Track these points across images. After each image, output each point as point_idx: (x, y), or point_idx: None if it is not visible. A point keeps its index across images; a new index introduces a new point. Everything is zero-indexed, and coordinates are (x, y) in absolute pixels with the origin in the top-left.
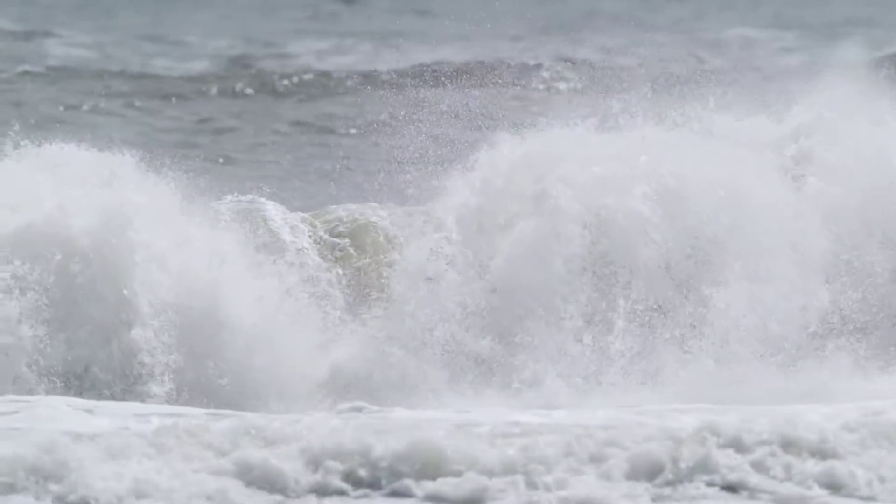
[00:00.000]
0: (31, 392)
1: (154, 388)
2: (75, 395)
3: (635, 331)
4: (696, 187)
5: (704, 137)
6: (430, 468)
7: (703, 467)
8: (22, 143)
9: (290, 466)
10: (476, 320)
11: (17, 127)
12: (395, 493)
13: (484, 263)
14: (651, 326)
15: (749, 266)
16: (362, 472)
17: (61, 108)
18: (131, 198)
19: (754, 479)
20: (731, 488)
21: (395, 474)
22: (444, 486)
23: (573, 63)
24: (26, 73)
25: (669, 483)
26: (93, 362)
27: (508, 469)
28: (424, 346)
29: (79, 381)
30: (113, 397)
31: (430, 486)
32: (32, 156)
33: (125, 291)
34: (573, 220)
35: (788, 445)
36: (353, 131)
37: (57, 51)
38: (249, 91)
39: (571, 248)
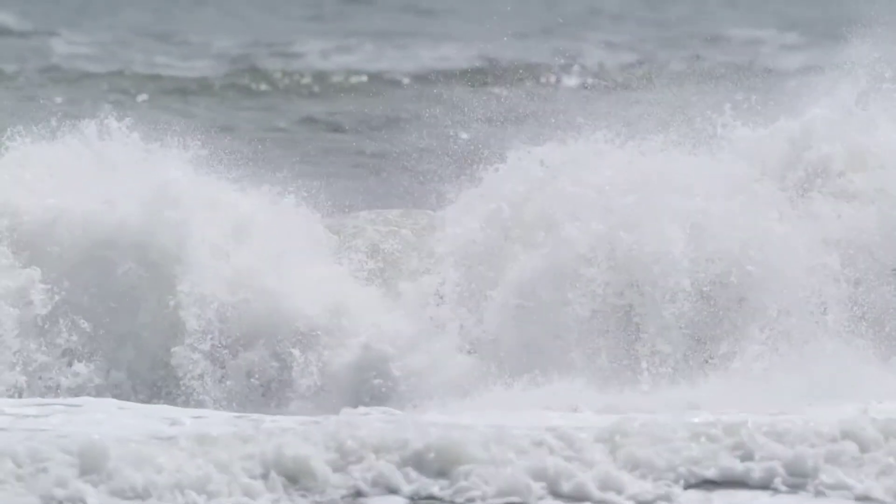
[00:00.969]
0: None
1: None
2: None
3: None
4: (720, 226)
5: (724, 154)
6: (464, 469)
7: (740, 464)
8: (59, 128)
9: (325, 466)
10: (479, 367)
11: (58, 114)
12: (427, 494)
13: (484, 307)
14: (672, 382)
15: (771, 321)
16: (395, 472)
17: (65, 108)
18: (180, 184)
19: (791, 476)
20: (766, 486)
21: (427, 474)
22: (477, 486)
23: (578, 62)
24: (30, 71)
25: (707, 480)
26: (137, 381)
27: (542, 470)
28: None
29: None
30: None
31: (462, 485)
32: (74, 141)
33: (171, 302)
34: (586, 260)
35: (818, 440)
36: (357, 130)
37: (61, 49)
38: (253, 90)
39: (584, 293)
